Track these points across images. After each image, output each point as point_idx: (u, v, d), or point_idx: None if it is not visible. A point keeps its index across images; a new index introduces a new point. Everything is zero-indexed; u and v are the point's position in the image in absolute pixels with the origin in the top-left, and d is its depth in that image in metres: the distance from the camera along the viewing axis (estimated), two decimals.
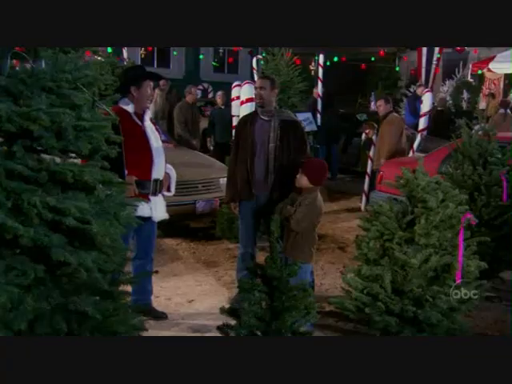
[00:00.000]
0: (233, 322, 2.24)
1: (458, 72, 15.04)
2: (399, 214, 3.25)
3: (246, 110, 5.65)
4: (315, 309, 2.23)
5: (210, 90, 18.25)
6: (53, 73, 2.23)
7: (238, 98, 6.51)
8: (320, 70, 9.43)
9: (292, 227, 3.92)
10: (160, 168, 3.97)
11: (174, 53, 18.08)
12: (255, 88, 4.46)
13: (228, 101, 9.06)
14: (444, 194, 3.18)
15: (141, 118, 3.91)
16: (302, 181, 3.87)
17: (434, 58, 13.72)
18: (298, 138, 4.29)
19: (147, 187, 3.87)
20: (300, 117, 8.63)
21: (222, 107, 9.05)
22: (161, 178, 4.00)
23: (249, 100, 5.92)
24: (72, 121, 2.28)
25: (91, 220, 2.28)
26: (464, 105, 13.87)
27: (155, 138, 3.98)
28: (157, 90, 10.43)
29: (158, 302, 4.27)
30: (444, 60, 14.97)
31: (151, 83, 3.95)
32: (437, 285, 3.14)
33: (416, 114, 10.63)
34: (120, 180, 2.69)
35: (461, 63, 15.25)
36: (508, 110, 11.41)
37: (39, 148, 2.23)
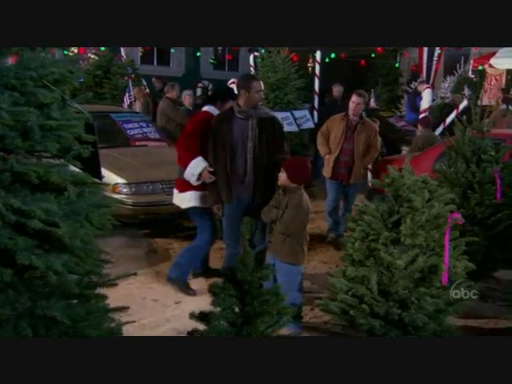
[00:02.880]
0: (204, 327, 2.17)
1: (460, 68, 14.91)
2: (385, 213, 3.17)
3: None
4: (289, 313, 2.16)
5: (210, 87, 18.14)
6: (17, 70, 2.16)
7: None
8: (317, 67, 9.35)
9: (282, 230, 3.84)
10: None
11: (172, 50, 17.99)
12: None
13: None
14: (431, 193, 3.10)
15: None
16: (283, 180, 3.79)
17: (435, 55, 13.59)
18: (276, 134, 4.19)
19: None
20: (297, 114, 8.57)
21: (190, 108, 8.78)
22: None
23: None
24: (39, 120, 2.22)
25: (58, 222, 2.21)
26: (465, 101, 13.72)
27: None
28: (136, 89, 10.16)
29: (144, 303, 4.22)
30: (445, 56, 14.82)
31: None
32: (423, 286, 3.06)
33: (416, 110, 10.56)
34: (95, 180, 2.63)
35: (462, 59, 15.11)
36: (510, 106, 11.31)
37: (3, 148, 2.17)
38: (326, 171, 6.13)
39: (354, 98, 5.93)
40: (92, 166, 2.72)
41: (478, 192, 4.43)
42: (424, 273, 3.09)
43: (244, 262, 2.07)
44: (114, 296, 3.91)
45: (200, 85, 18.33)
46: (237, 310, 2.13)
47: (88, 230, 2.45)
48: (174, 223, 6.27)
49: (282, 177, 3.79)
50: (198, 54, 17.71)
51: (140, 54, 17.20)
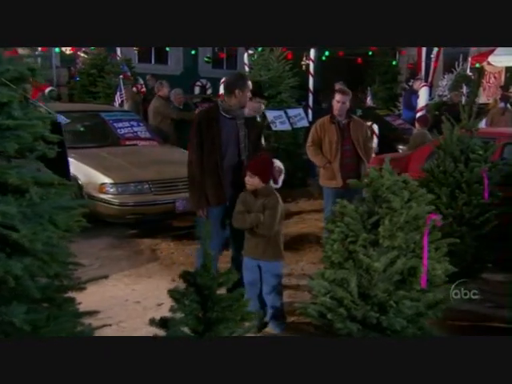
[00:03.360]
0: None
1: (458, 66, 14.79)
2: (365, 214, 3.08)
3: None
4: (254, 319, 2.09)
5: (208, 86, 18.09)
6: None
7: None
8: (311, 65, 9.26)
9: (264, 233, 3.78)
10: None
11: (167, 48, 17.83)
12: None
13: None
14: (411, 193, 3.01)
15: None
16: (256, 183, 3.74)
17: (433, 53, 13.49)
18: (257, 134, 4.14)
19: None
20: (290, 112, 8.49)
21: (180, 107, 8.65)
22: None
23: None
24: None
25: (17, 225, 2.15)
26: (463, 99, 13.61)
27: None
28: (125, 90, 9.97)
29: (125, 306, 4.15)
30: (444, 54, 14.71)
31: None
32: (403, 289, 2.98)
33: (412, 109, 10.47)
34: (62, 181, 2.55)
35: (461, 57, 14.99)
36: (508, 105, 11.21)
37: None
38: (334, 181, 5.41)
39: (339, 97, 5.32)
40: (59, 167, 2.65)
41: (466, 192, 4.36)
42: (404, 275, 3.01)
43: (205, 266, 1.99)
44: (97, 298, 3.87)
45: (198, 83, 18.30)
46: (200, 315, 2.05)
47: (52, 232, 2.38)
48: (161, 223, 6.20)
49: (251, 181, 3.75)
50: (193, 52, 17.60)
51: (136, 52, 17.08)
